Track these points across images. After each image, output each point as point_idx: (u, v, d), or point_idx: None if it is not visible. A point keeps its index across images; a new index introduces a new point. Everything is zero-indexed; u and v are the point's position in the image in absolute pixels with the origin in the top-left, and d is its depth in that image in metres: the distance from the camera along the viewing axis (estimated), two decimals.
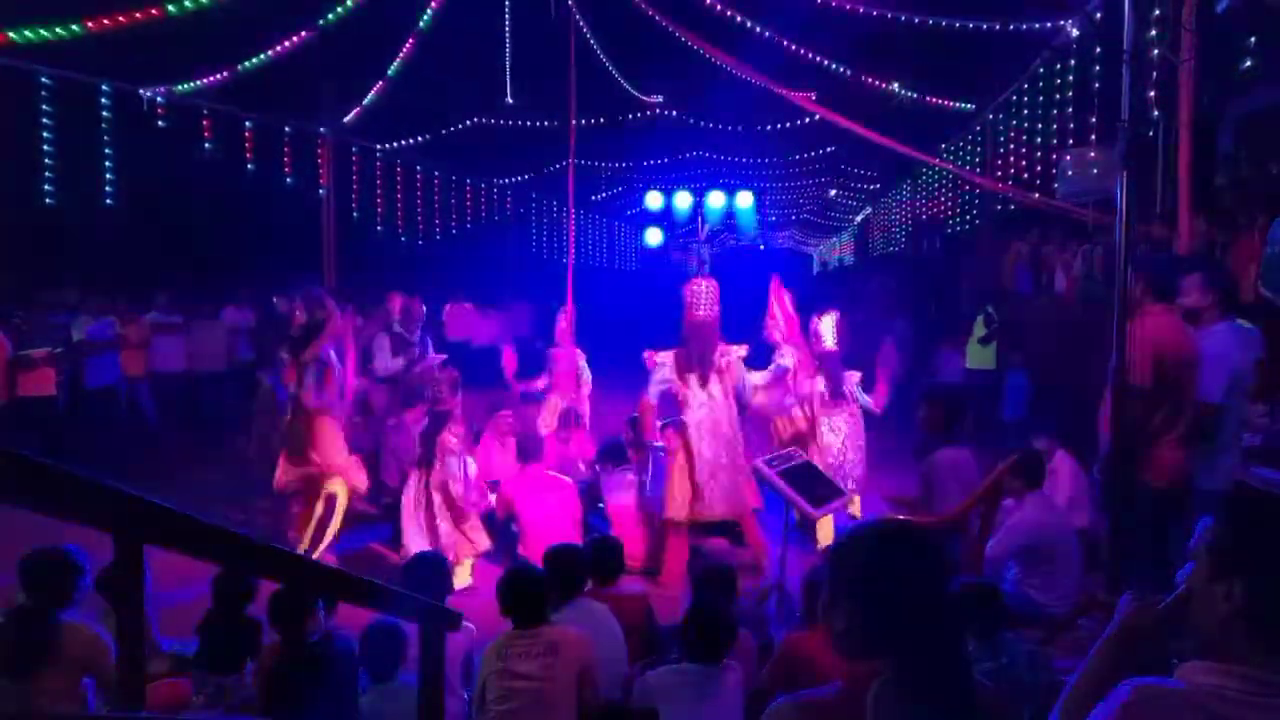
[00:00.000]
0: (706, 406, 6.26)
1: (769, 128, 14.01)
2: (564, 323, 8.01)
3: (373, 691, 3.46)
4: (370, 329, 8.04)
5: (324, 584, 2.64)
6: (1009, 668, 3.27)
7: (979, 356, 10.53)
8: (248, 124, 10.37)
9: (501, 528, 6.60)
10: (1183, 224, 5.99)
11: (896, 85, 11.13)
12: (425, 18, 9.23)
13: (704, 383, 6.29)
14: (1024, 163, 10.43)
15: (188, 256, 12.62)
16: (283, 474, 6.30)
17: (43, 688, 3.20)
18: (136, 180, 10.14)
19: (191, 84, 9.08)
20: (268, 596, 3.60)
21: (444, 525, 6.11)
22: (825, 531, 6.56)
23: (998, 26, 8.53)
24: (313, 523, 6.21)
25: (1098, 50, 7.50)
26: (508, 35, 10.16)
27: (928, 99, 10.96)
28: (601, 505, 6.85)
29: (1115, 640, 1.54)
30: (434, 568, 4.09)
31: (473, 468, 6.58)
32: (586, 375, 8.24)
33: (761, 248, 33.97)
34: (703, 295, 6.31)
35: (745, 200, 11.45)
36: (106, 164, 9.06)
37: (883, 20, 8.48)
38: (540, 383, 8.22)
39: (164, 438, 10.63)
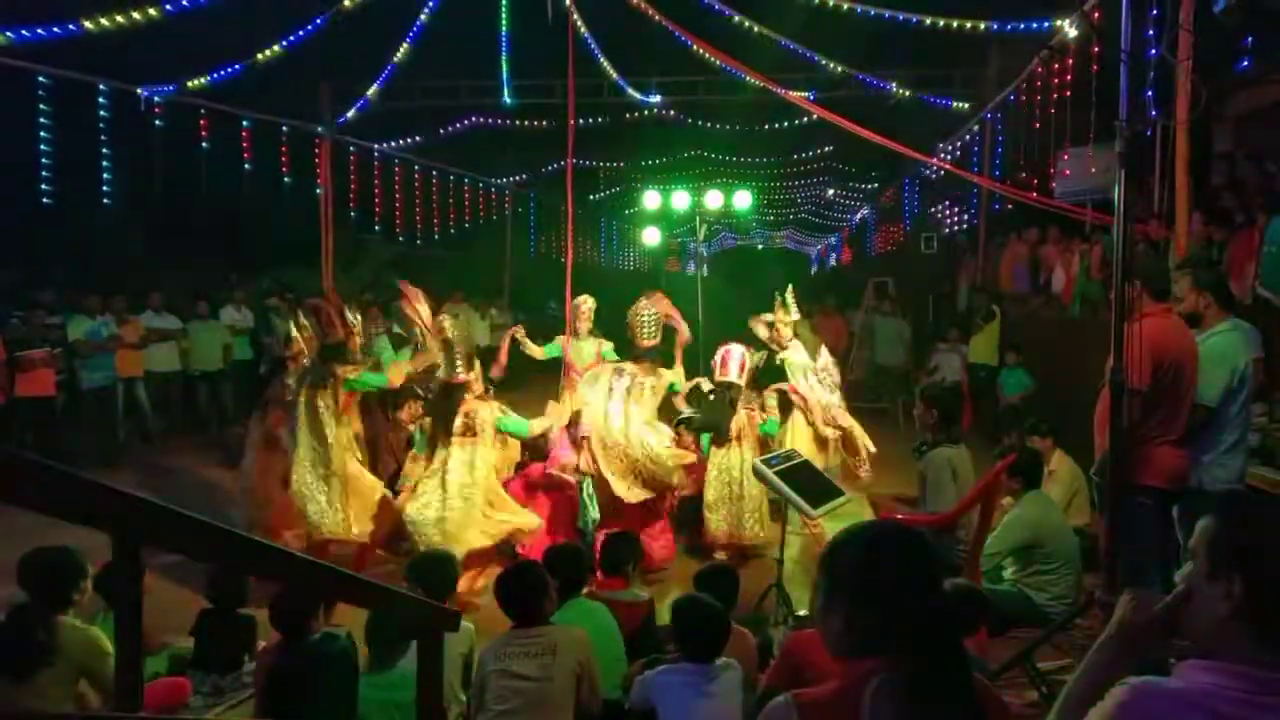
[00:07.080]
0: None
1: (767, 127, 14.04)
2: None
3: (370, 679, 3.42)
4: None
5: (322, 583, 2.64)
6: None
7: (980, 352, 10.64)
8: (245, 123, 10.35)
9: None
10: (1180, 224, 5.99)
11: (895, 84, 11.17)
12: (422, 17, 9.23)
13: None
14: (1022, 162, 10.43)
15: (185, 256, 12.59)
16: None
17: (41, 689, 3.19)
18: (134, 180, 10.13)
19: (190, 83, 9.07)
20: (269, 596, 3.59)
21: None
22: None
23: (996, 26, 8.54)
24: None
25: (1095, 50, 7.50)
26: (506, 35, 10.17)
27: (926, 98, 10.98)
28: None
29: (1114, 640, 1.54)
30: (441, 565, 4.06)
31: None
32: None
33: (760, 247, 34.04)
34: None
35: (743, 200, 11.47)
36: (104, 164, 9.04)
37: (882, 19, 8.50)
38: None
39: (161, 438, 10.60)
